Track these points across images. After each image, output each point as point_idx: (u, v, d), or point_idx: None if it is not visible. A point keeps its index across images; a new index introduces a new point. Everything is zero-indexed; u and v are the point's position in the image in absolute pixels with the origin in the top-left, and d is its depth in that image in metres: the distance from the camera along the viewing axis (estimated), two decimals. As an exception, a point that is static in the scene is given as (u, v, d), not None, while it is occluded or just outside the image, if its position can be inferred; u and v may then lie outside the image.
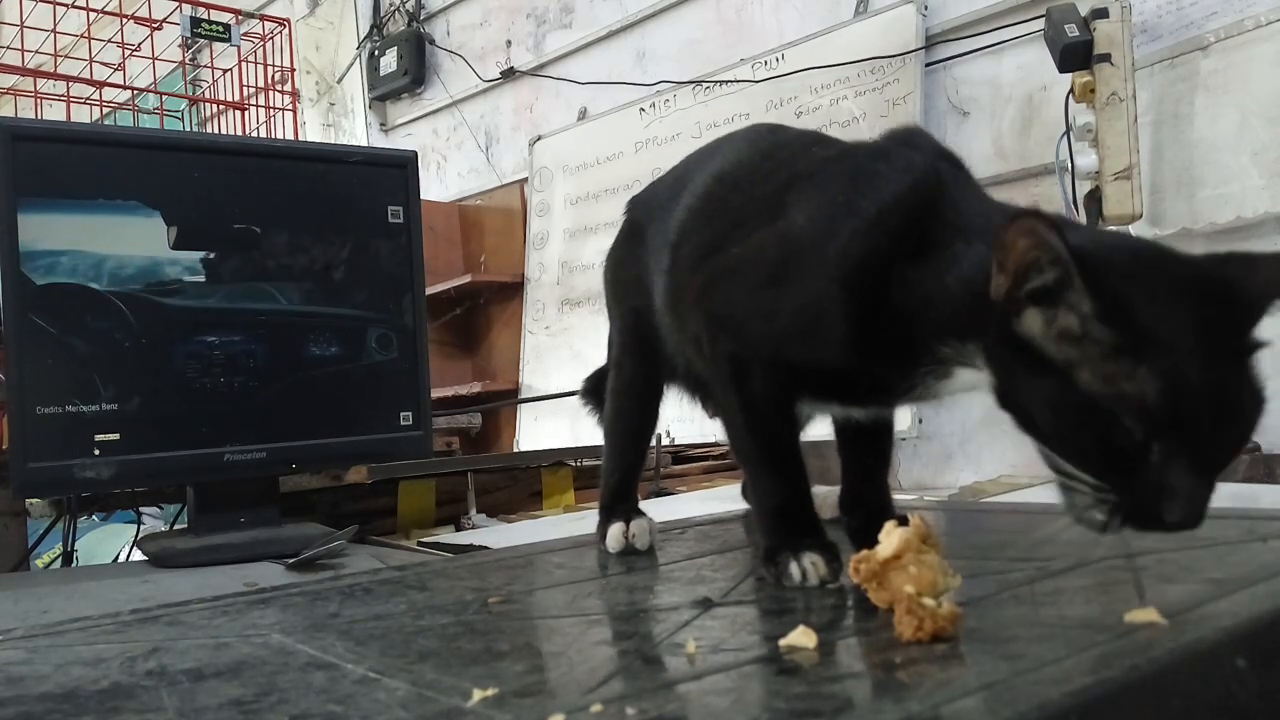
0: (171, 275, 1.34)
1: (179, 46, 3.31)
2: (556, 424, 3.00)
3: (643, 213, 1.06)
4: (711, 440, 2.13)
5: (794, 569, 0.76)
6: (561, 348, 3.15)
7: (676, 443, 2.04)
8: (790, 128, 0.99)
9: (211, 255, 1.36)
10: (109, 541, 2.35)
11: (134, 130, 2.55)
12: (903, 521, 0.65)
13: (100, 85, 2.90)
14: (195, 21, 2.85)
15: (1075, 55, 1.93)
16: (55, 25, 2.81)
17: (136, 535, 1.66)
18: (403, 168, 1.51)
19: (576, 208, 3.20)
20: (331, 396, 1.43)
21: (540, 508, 1.80)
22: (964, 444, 2.29)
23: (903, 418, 2.18)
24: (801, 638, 0.58)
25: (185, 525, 1.51)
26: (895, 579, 0.61)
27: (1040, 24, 2.04)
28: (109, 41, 2.96)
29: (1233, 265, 0.64)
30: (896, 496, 0.94)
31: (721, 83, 2.79)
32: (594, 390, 1.18)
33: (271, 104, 3.13)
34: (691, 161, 1.01)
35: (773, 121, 1.03)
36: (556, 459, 1.85)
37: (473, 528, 1.62)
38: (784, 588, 0.76)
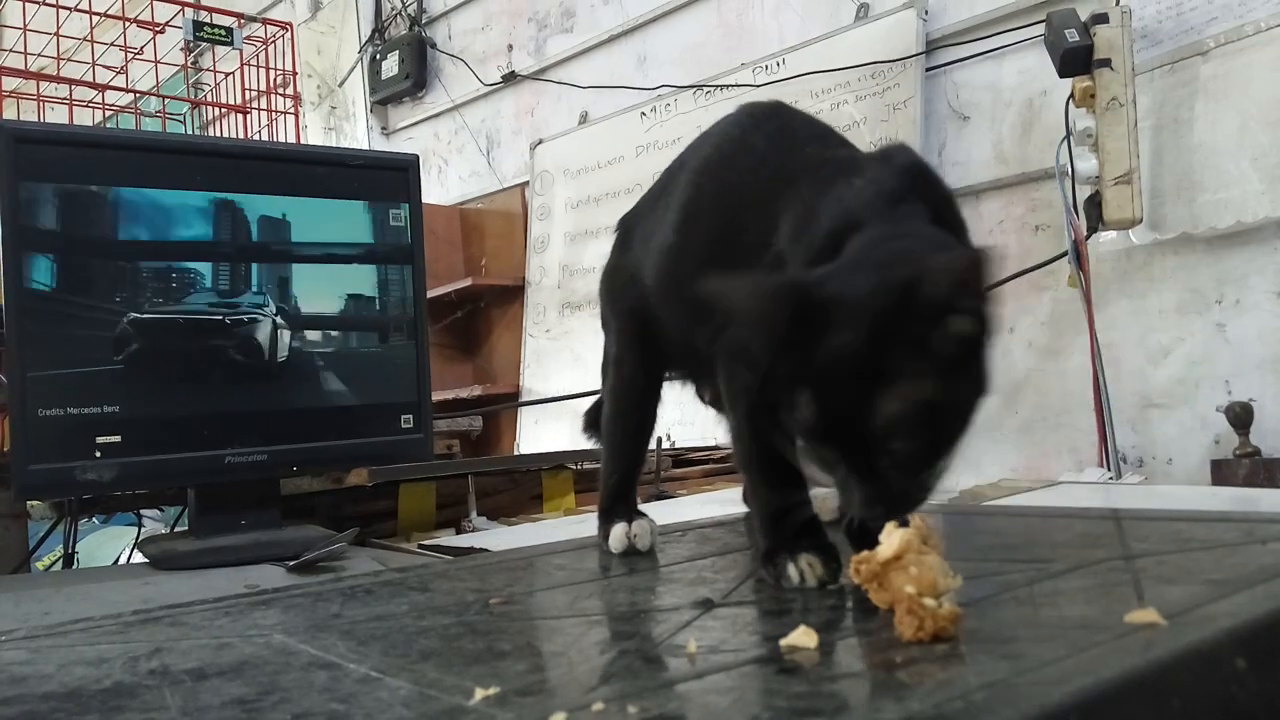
0: (172, 278, 1.34)
1: (181, 50, 3.32)
2: (557, 427, 3.00)
3: (632, 220, 1.08)
4: (712, 443, 2.13)
5: (791, 570, 0.77)
6: (562, 351, 3.15)
7: (677, 446, 2.04)
8: (794, 114, 0.98)
9: (212, 258, 1.37)
10: (110, 544, 2.34)
11: (136, 133, 2.56)
12: (903, 522, 0.65)
13: (103, 88, 2.90)
14: (197, 25, 2.85)
15: (1075, 60, 1.93)
16: (58, 29, 2.81)
17: (137, 537, 1.66)
18: (404, 171, 1.52)
19: (577, 211, 3.20)
20: (332, 399, 1.43)
21: (541, 510, 1.80)
22: (964, 447, 2.29)
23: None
24: (802, 638, 0.58)
25: (186, 527, 1.51)
26: (896, 579, 0.61)
27: (1040, 29, 2.04)
28: (111, 45, 2.96)
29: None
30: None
31: (722, 87, 2.80)
32: (595, 423, 1.18)
33: (273, 108, 3.13)
34: (685, 152, 1.03)
35: (778, 103, 1.02)
36: (557, 462, 1.85)
37: (473, 530, 1.62)
38: (783, 588, 0.77)
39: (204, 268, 1.36)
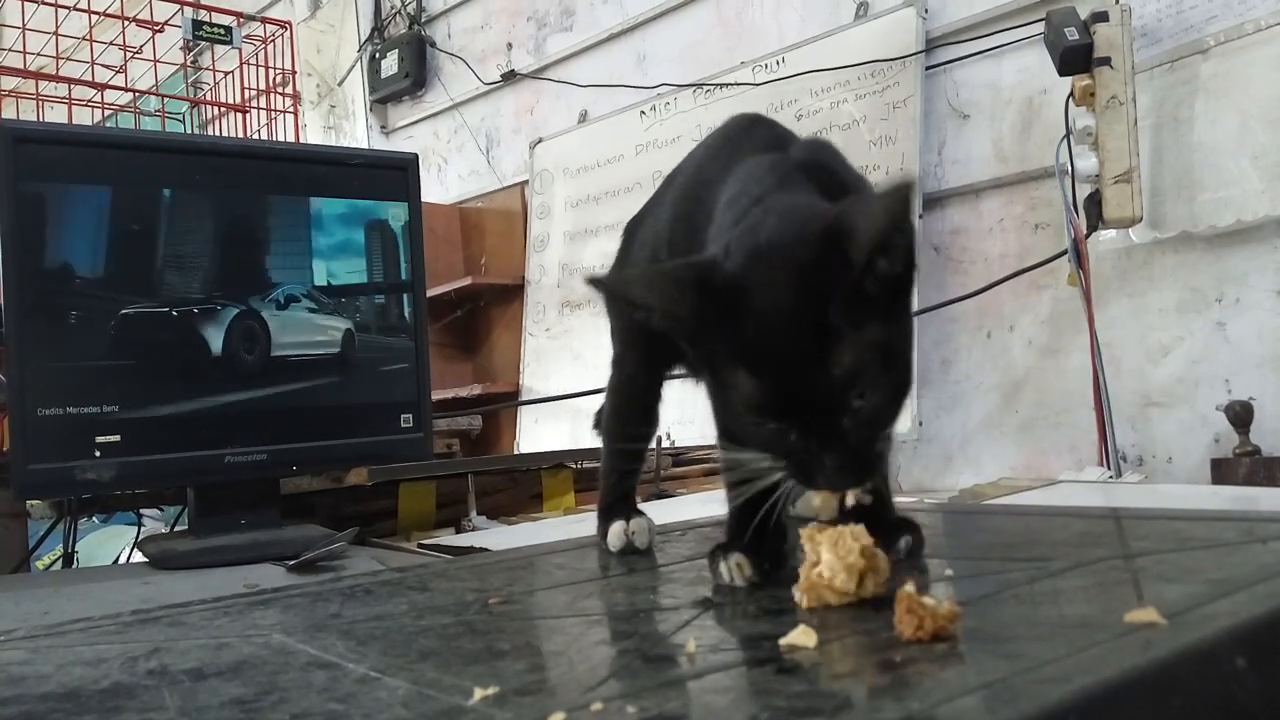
0: (173, 277, 1.34)
1: (180, 49, 3.32)
2: (557, 426, 3.00)
3: (634, 225, 1.08)
4: (712, 443, 2.13)
5: (722, 568, 0.80)
6: (562, 350, 3.15)
7: (677, 445, 2.04)
8: (756, 134, 0.96)
9: (212, 258, 1.37)
10: (109, 543, 2.35)
11: (136, 132, 2.56)
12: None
13: (102, 88, 2.91)
14: (197, 24, 2.85)
15: (1075, 59, 1.93)
16: (57, 28, 2.81)
17: (137, 537, 1.66)
18: (403, 170, 1.52)
19: (577, 210, 3.20)
20: (332, 398, 1.43)
21: (540, 510, 1.80)
22: (964, 446, 2.29)
23: (902, 420, 2.18)
24: (801, 637, 0.58)
25: (186, 527, 1.51)
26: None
27: (1040, 27, 2.04)
28: (111, 44, 2.96)
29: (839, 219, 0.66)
30: (897, 499, 0.93)
31: (722, 85, 2.80)
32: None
33: (273, 106, 3.13)
34: (681, 162, 1.03)
35: (758, 115, 1.02)
36: (557, 461, 1.85)
37: (473, 530, 1.62)
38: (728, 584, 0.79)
39: (200, 265, 1.36)
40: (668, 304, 0.68)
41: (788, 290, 0.65)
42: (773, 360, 0.66)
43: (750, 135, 0.93)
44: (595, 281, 0.72)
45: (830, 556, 0.66)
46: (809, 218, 0.68)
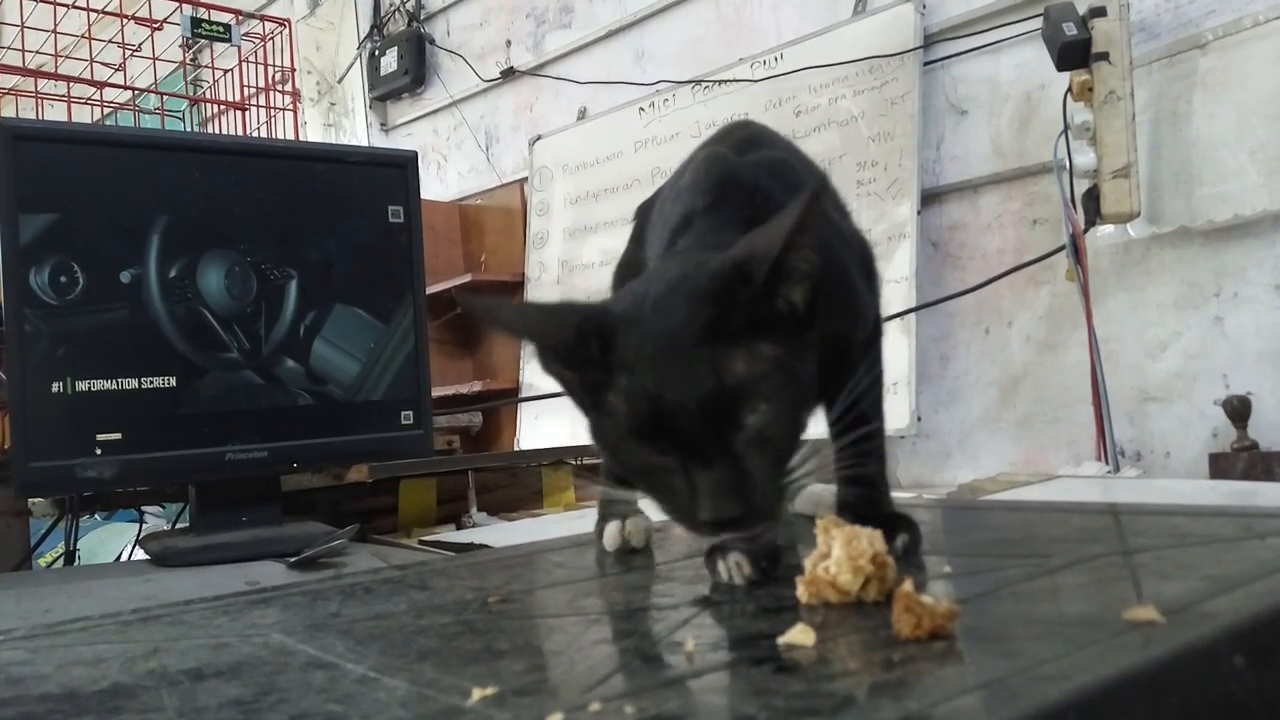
0: (173, 275, 1.34)
1: (180, 47, 3.31)
2: (557, 423, 3.01)
3: (645, 213, 1.07)
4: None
5: (721, 568, 0.79)
6: (561, 347, 3.15)
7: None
8: (742, 132, 0.97)
9: (212, 256, 1.37)
10: (111, 540, 2.35)
11: (135, 130, 2.55)
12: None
13: (101, 85, 2.90)
14: (195, 22, 2.85)
15: (1073, 54, 1.93)
16: (56, 26, 2.81)
17: (138, 534, 1.67)
18: (403, 167, 1.52)
19: (576, 207, 3.20)
20: (332, 395, 1.43)
21: (541, 506, 1.81)
22: (962, 442, 2.29)
23: (901, 416, 2.19)
24: (800, 635, 0.58)
25: (187, 524, 1.51)
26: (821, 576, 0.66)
27: (1038, 23, 2.04)
28: (110, 42, 2.95)
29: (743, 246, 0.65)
30: (895, 495, 0.93)
31: (720, 82, 2.80)
32: None
33: (272, 104, 3.12)
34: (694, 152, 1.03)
35: (749, 122, 1.01)
36: (557, 457, 1.85)
37: (473, 526, 1.62)
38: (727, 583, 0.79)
39: (201, 266, 1.36)
40: (545, 337, 0.67)
41: (680, 309, 0.63)
42: (654, 372, 0.62)
43: (729, 137, 0.93)
44: (469, 306, 0.72)
45: (841, 554, 0.65)
46: (708, 259, 0.67)
